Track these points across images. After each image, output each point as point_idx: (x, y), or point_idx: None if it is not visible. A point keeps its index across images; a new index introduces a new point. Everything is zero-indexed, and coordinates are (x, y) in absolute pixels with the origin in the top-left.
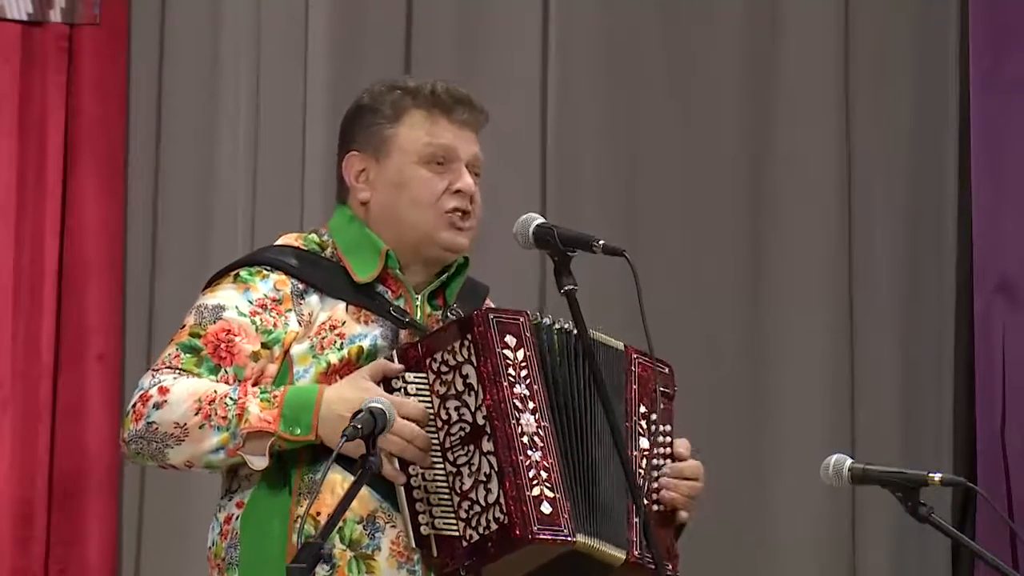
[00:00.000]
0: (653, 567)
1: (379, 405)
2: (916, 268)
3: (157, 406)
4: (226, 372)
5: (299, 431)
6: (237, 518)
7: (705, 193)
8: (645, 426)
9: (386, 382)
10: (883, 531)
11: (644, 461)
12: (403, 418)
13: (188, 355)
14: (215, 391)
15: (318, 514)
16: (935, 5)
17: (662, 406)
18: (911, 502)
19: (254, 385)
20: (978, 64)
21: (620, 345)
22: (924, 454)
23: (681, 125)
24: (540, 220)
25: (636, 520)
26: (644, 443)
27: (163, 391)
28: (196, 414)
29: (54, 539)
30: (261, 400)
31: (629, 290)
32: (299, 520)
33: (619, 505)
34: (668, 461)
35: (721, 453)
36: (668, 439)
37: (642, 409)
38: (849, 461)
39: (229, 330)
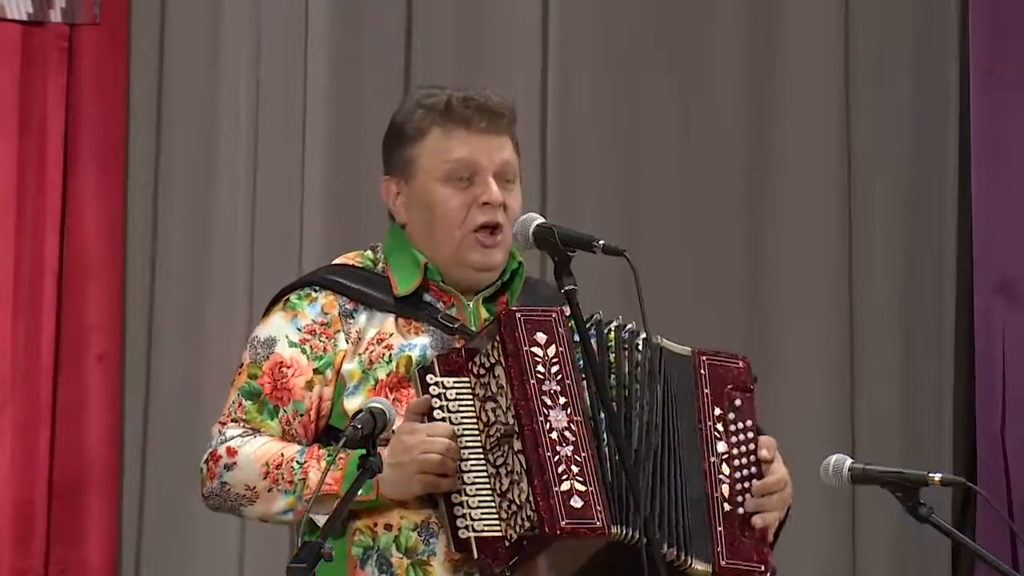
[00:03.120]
0: (748, 570)
1: (379, 405)
2: (916, 268)
3: (228, 467)
4: (285, 411)
5: (361, 492)
6: (304, 526)
7: (705, 193)
8: (721, 429)
9: (423, 389)
10: (883, 531)
11: (724, 465)
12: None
13: (249, 402)
14: (282, 455)
15: (375, 524)
16: (935, 5)
17: (738, 403)
18: (911, 502)
19: (318, 412)
20: (978, 63)
21: (687, 350)
22: (924, 454)
23: (681, 125)
24: (540, 220)
25: (720, 528)
26: (721, 447)
27: (231, 452)
28: (264, 478)
29: (54, 539)
30: (326, 463)
31: (629, 290)
32: (356, 532)
33: (693, 512)
34: (752, 458)
35: None
36: (750, 435)
37: (716, 412)
38: (849, 461)
39: (282, 363)
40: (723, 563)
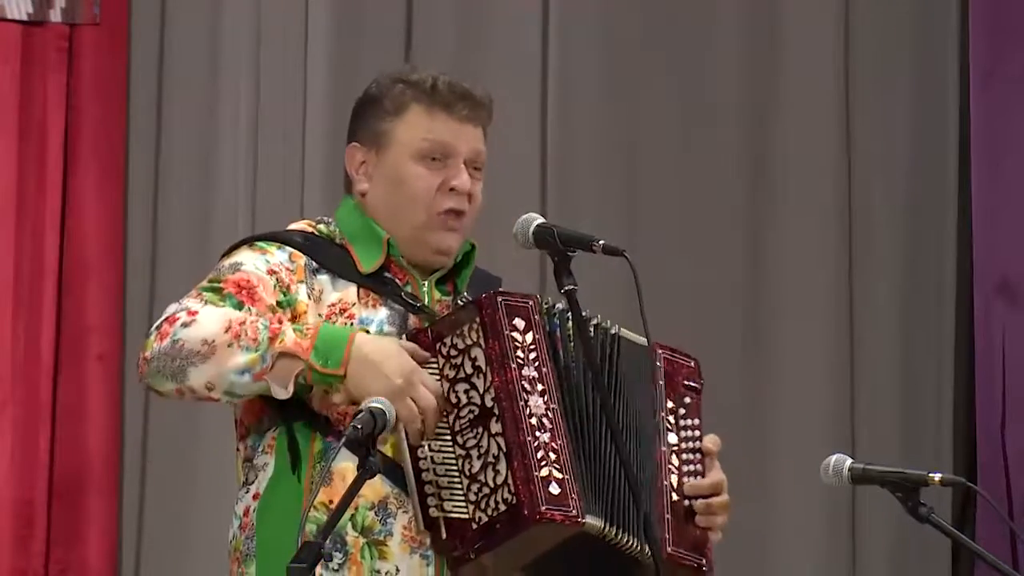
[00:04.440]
0: (691, 562)
1: (379, 405)
2: (916, 268)
3: (185, 325)
4: (249, 310)
5: (330, 364)
6: (253, 510)
7: (705, 193)
8: (673, 421)
9: None
10: (883, 531)
11: (673, 457)
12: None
13: (211, 293)
14: (246, 316)
15: (331, 502)
16: (935, 5)
17: (688, 400)
18: (911, 502)
19: None
20: (978, 63)
21: (643, 340)
22: (924, 454)
23: (681, 125)
24: (540, 220)
25: (668, 516)
26: (672, 438)
27: (192, 313)
28: (226, 332)
29: (54, 539)
30: (294, 329)
31: (630, 290)
32: (312, 509)
33: (646, 501)
34: (697, 455)
35: (721, 453)
36: (696, 433)
37: (669, 404)
38: (849, 461)
39: (249, 280)
40: (669, 550)
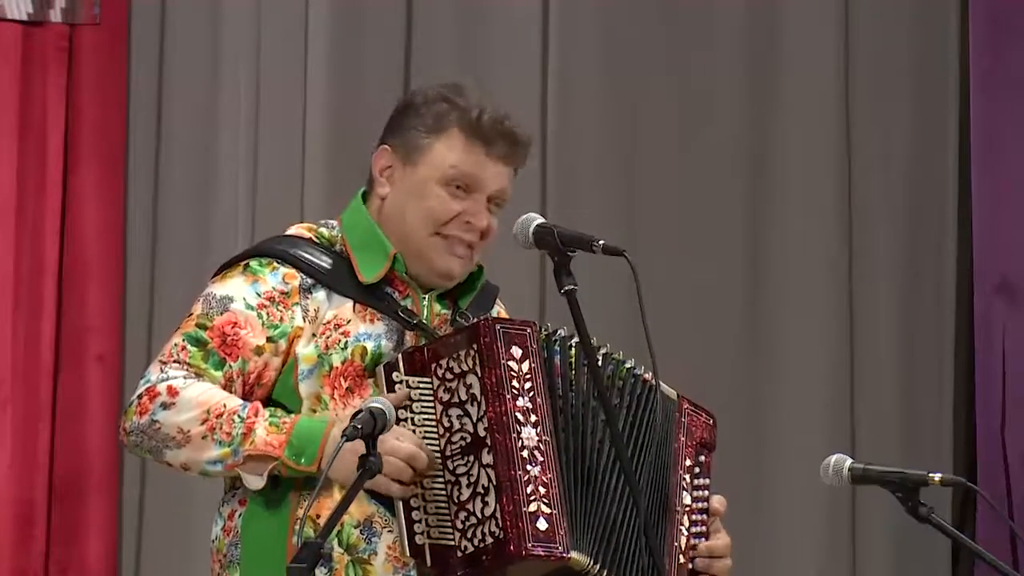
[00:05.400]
0: None
1: (379, 405)
2: (916, 268)
3: (164, 406)
4: (231, 367)
5: (303, 461)
6: (239, 515)
7: (705, 193)
8: (688, 480)
9: (389, 386)
10: (883, 531)
11: (685, 518)
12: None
13: (195, 348)
14: (224, 405)
15: (318, 516)
16: (935, 5)
17: (702, 459)
18: (911, 502)
19: (258, 378)
20: (978, 64)
21: (674, 394)
22: (924, 454)
23: (681, 125)
24: (540, 220)
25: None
26: (687, 499)
27: (172, 392)
28: (201, 424)
29: (54, 539)
30: (270, 424)
31: (630, 290)
32: (299, 522)
33: (658, 553)
34: (704, 516)
35: (721, 453)
36: (706, 493)
37: (687, 462)
38: (849, 461)
39: (235, 323)
40: None
